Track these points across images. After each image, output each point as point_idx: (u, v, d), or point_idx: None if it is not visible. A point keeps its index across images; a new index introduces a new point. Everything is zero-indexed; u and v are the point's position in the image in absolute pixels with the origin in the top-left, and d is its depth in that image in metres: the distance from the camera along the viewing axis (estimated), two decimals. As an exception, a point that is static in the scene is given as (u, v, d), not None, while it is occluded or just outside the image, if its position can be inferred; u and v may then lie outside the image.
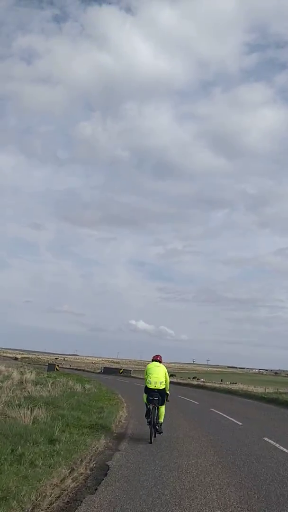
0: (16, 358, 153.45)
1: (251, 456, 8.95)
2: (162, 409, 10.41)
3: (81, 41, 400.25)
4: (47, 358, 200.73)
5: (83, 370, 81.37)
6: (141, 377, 65.99)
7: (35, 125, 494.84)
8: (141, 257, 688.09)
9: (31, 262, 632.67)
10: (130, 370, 68.46)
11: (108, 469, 7.36)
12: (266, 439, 11.27)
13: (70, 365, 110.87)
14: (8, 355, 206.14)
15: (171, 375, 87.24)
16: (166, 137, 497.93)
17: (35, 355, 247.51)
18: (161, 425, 10.46)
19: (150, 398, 10.26)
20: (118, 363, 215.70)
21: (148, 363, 11.02)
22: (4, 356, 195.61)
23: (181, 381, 59.21)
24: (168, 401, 10.75)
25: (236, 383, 77.03)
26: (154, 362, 10.81)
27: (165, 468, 7.62)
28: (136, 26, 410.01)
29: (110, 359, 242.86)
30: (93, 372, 74.34)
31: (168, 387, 10.58)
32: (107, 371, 71.07)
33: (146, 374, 10.62)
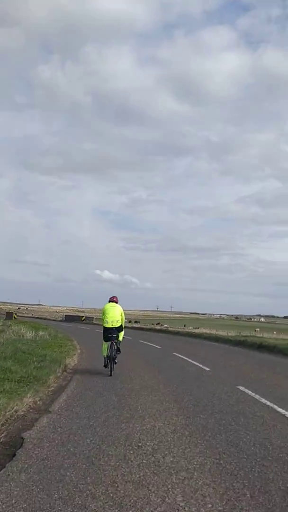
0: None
1: (228, 415, 6.69)
2: (121, 335, 11.20)
3: None
4: (9, 307, 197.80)
5: (45, 319, 79.38)
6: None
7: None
8: (105, 206, 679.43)
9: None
10: (93, 318, 66.68)
11: (21, 446, 4.88)
12: (241, 388, 9.14)
13: (33, 314, 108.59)
14: None
15: (135, 322, 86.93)
16: (128, 82, 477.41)
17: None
18: (120, 343, 11.18)
19: (109, 335, 10.81)
20: (82, 311, 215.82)
21: (106, 304, 11.30)
22: None
23: (145, 326, 58.13)
24: (123, 329, 11.47)
25: (198, 327, 77.38)
26: (110, 303, 11.25)
27: (106, 440, 5.20)
28: None
29: (75, 308, 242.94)
30: (55, 320, 72.41)
31: (124, 324, 11.31)
32: (69, 319, 69.21)
33: (103, 315, 11.09)
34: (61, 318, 72.95)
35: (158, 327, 54.45)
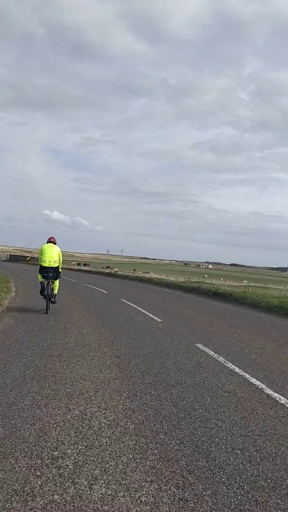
0: None
1: (188, 390, 4.90)
2: (56, 282, 11.33)
3: None
4: None
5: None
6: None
7: None
8: (56, 145, 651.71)
9: None
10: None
11: None
12: (201, 346, 7.46)
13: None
14: None
15: (84, 264, 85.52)
16: (85, 15, 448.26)
17: None
18: (55, 296, 11.30)
19: (46, 274, 11.03)
20: (30, 252, 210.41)
21: (44, 244, 11.38)
22: None
23: (93, 269, 56.23)
24: (60, 277, 11.61)
25: (148, 272, 76.81)
26: (49, 244, 11.33)
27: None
28: None
29: (23, 249, 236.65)
30: (-1, 260, 68.96)
31: (61, 265, 11.43)
32: (13, 259, 65.80)
33: (41, 254, 11.25)
34: (5, 258, 69.43)
35: (107, 270, 52.80)
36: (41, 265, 11.16)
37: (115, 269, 76.22)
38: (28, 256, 64.07)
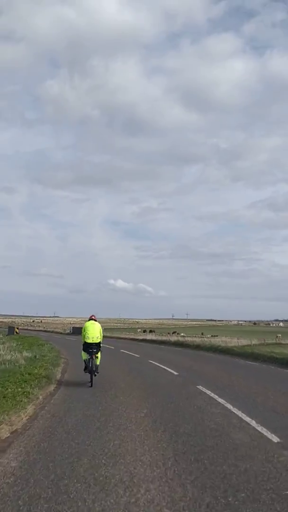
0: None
1: None
2: (99, 354, 11.91)
3: None
4: (24, 321, 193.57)
5: (52, 332, 73.97)
6: (115, 336, 58.64)
7: (0, 85, 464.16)
8: (116, 217, 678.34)
9: (4, 227, 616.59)
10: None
11: None
12: None
13: (45, 327, 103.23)
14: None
15: (150, 331, 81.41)
16: (135, 93, 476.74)
17: (11, 319, 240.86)
18: (97, 367, 11.79)
19: (90, 350, 11.74)
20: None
21: (86, 322, 12.39)
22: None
23: (159, 337, 51.61)
24: (100, 350, 11.99)
25: (217, 335, 71.14)
26: (90, 321, 12.32)
27: None
28: None
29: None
30: (62, 333, 66.65)
31: (102, 339, 12.13)
32: (76, 331, 63.02)
33: (84, 331, 12.09)
34: (69, 331, 67.01)
35: (174, 338, 48.23)
36: (85, 342, 11.87)
37: (182, 334, 71.38)
38: (90, 327, 61.26)
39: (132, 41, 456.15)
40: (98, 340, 11.78)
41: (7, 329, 57.08)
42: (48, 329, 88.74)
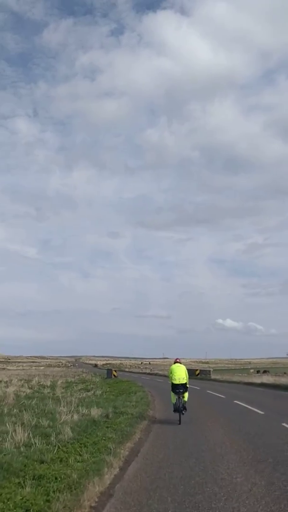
0: (96, 365, 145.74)
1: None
2: (186, 394, 13.21)
3: (140, 50, 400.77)
4: (132, 363, 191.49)
5: (155, 374, 68.02)
6: (225, 379, 49.59)
7: (103, 138, 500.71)
8: (220, 255, 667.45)
9: (112, 270, 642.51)
10: (210, 371, 52.73)
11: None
12: None
13: (151, 370, 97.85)
14: (91, 362, 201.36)
15: (264, 371, 71.51)
16: (234, 132, 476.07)
17: (120, 361, 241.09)
18: (185, 406, 13.10)
19: (177, 390, 12.90)
20: (207, 363, 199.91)
21: (172, 365, 13.80)
22: (86, 363, 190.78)
23: (273, 380, 38.90)
24: (187, 390, 13.25)
25: None
26: (176, 364, 13.58)
27: None
28: (193, 26, 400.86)
29: (199, 360, 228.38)
30: (167, 376, 60.18)
31: (188, 380, 13.44)
32: (182, 373, 56.49)
33: (171, 373, 13.27)
34: (173, 373, 60.61)
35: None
36: (172, 383, 13.17)
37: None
38: (197, 370, 53.69)
39: (227, 82, 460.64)
40: (184, 381, 13.06)
41: (106, 372, 52.87)
42: (154, 371, 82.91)
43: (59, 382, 37.71)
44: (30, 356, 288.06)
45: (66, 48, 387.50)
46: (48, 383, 35.38)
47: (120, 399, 20.85)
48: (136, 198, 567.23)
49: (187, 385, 13.22)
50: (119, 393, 24.75)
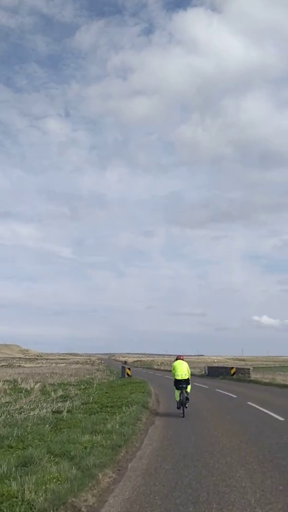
0: (125, 362, 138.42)
1: None
2: (189, 386, 14.53)
3: (171, 48, 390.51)
4: (165, 359, 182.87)
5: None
6: (275, 382, 38.94)
7: (136, 136, 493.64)
8: (255, 251, 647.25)
9: (147, 269, 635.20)
10: (248, 369, 42.93)
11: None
12: None
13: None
14: (122, 359, 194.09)
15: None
16: (268, 127, 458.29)
17: (153, 358, 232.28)
18: (187, 398, 14.18)
19: (180, 386, 14.14)
20: (243, 360, 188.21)
21: (174, 362, 15.06)
22: (117, 360, 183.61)
23: None
24: (189, 384, 14.61)
25: None
26: (178, 360, 14.77)
27: None
28: (223, 22, 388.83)
29: (235, 357, 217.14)
30: (195, 375, 50.46)
31: (190, 376, 14.75)
32: (213, 372, 46.48)
33: (174, 370, 14.56)
34: (203, 372, 50.78)
35: None
36: (175, 379, 14.29)
37: None
38: (233, 368, 43.87)
39: (260, 77, 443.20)
40: (186, 377, 14.39)
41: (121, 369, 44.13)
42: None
43: (47, 383, 29.25)
44: (63, 354, 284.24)
45: (97, 49, 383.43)
46: (32, 386, 26.89)
47: (92, 419, 11.85)
48: (169, 196, 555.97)
49: (189, 380, 14.47)
50: (106, 405, 15.67)
